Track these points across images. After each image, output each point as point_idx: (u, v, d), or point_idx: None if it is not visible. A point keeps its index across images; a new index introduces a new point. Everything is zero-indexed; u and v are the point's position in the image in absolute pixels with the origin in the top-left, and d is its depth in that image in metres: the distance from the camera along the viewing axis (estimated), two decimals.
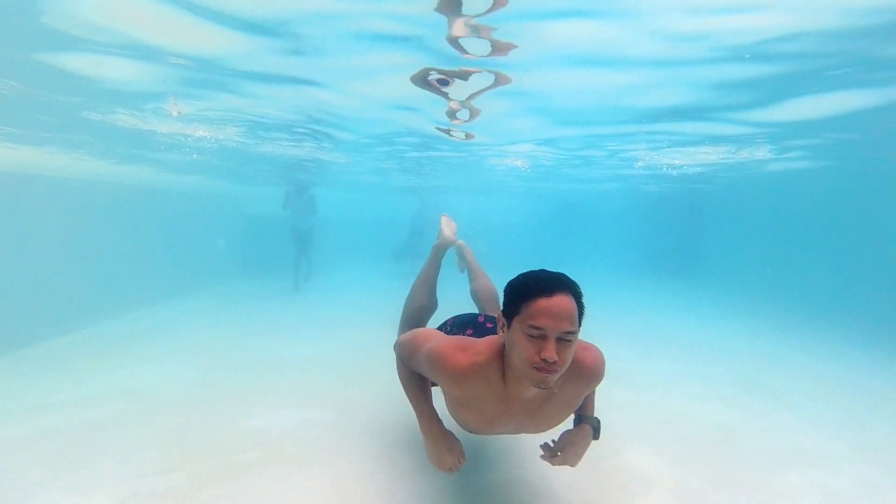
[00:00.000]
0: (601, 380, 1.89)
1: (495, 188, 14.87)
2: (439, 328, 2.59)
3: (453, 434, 1.99)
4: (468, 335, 2.34)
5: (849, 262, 10.55)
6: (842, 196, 10.58)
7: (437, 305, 3.13)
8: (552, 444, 2.04)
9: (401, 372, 2.09)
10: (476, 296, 3.30)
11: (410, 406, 2.11)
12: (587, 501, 2.43)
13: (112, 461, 2.80)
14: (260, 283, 10.19)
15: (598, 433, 2.08)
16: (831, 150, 6.77)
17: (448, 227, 3.57)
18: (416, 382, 2.04)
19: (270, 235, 11.30)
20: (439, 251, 3.39)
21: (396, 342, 2.19)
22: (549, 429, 1.97)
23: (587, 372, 1.80)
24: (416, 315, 3.05)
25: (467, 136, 6.18)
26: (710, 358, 5.38)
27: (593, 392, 2.13)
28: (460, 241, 3.63)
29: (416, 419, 2.01)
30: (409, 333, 2.10)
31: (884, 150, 6.54)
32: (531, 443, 3.01)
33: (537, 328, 1.53)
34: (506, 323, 1.66)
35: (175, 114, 5.12)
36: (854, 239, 10.54)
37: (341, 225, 15.73)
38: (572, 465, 2.00)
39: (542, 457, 2.02)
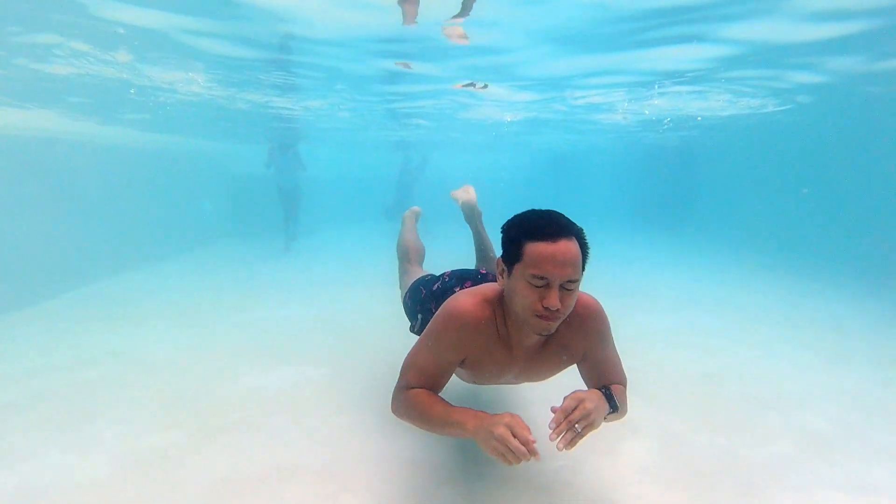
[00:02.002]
0: (600, 322, 1.82)
1: (483, 143, 14.66)
2: (438, 277, 2.59)
3: (502, 413, 1.52)
4: (467, 287, 2.33)
5: (832, 211, 10.69)
6: (831, 144, 10.62)
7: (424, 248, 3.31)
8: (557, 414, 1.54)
9: (409, 403, 1.73)
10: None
11: (435, 432, 1.71)
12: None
13: (110, 421, 2.83)
14: (249, 244, 10.11)
15: (614, 401, 1.70)
16: (821, 94, 6.73)
17: (411, 212, 3.61)
18: (433, 398, 1.71)
19: (258, 195, 11.12)
20: (408, 220, 3.52)
21: (395, 388, 1.84)
22: (547, 377, 1.96)
23: (583, 312, 1.76)
24: (411, 253, 3.15)
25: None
26: (698, 310, 5.50)
27: (623, 392, 1.89)
28: (461, 201, 3.45)
29: (458, 433, 1.57)
30: (402, 366, 1.85)
31: (868, 93, 6.51)
32: (521, 394, 3.08)
33: (541, 277, 1.48)
34: (506, 269, 1.61)
35: (123, 60, 4.92)
36: (839, 189, 10.65)
37: (328, 184, 15.50)
38: (595, 419, 1.53)
39: (556, 428, 1.50)
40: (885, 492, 2.27)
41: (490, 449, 1.45)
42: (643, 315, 5.16)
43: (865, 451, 2.63)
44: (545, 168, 23.21)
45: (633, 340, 4.33)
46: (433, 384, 1.77)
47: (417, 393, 1.73)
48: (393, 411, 1.81)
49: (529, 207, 1.65)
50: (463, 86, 6.55)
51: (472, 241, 3.30)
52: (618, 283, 6.66)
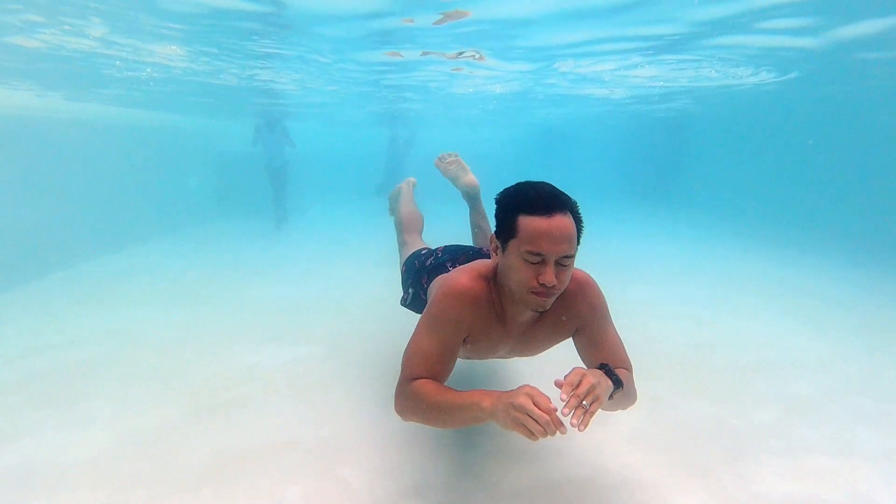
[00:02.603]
0: (594, 296, 1.80)
1: (474, 117, 14.49)
2: (432, 251, 2.58)
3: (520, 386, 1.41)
4: (460, 262, 2.33)
5: (819, 183, 10.78)
6: (821, 115, 10.63)
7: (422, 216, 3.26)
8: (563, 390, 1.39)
9: (416, 394, 1.60)
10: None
11: (448, 423, 1.61)
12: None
13: (104, 399, 2.83)
14: (238, 223, 9.99)
15: (615, 376, 1.58)
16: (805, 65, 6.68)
17: (406, 183, 3.51)
18: (440, 386, 1.62)
19: (247, 173, 10.94)
20: (404, 191, 3.45)
21: (397, 385, 1.71)
22: (539, 351, 1.97)
23: (576, 287, 1.76)
24: (409, 224, 3.11)
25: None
26: (685, 280, 5.57)
27: (627, 375, 1.84)
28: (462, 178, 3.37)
29: (474, 415, 1.46)
30: (403, 360, 1.73)
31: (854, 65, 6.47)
32: (514, 369, 3.12)
33: (536, 253, 1.46)
34: (500, 245, 1.59)
35: (97, 34, 4.75)
36: (826, 161, 10.71)
37: (317, 161, 15.29)
38: (599, 393, 1.41)
39: (567, 402, 1.36)
40: (866, 454, 2.35)
41: (511, 422, 1.34)
42: (634, 286, 5.21)
43: (848, 415, 2.72)
44: (537, 141, 23.02)
45: (623, 312, 4.35)
46: (438, 371, 1.68)
47: (423, 383, 1.61)
48: (398, 412, 1.66)
49: (522, 177, 1.62)
50: (455, 55, 6.40)
51: (468, 218, 3.28)
52: (608, 256, 6.71)
